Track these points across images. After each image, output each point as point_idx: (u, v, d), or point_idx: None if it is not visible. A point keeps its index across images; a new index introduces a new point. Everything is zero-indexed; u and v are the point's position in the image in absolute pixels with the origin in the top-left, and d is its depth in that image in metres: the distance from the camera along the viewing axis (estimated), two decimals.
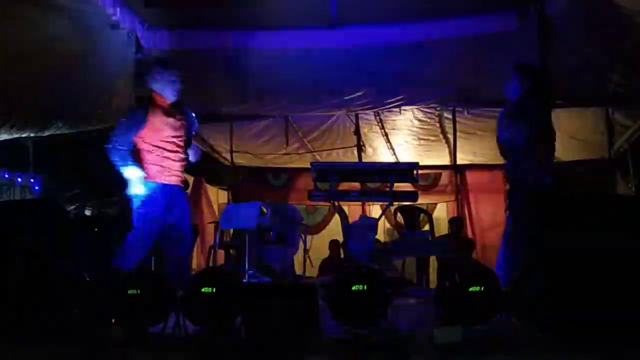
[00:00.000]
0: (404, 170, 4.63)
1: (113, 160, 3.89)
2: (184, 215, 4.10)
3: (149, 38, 5.63)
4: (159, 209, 3.90)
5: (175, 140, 4.03)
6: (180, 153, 4.07)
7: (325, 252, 8.17)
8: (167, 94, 4.04)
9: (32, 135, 6.67)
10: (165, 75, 4.05)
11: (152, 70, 4.08)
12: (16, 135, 6.37)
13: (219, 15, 5.43)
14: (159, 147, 3.95)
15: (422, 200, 7.67)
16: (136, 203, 3.89)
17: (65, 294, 2.87)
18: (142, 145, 3.95)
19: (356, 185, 6.88)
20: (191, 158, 4.23)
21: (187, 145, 4.15)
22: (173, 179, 4.01)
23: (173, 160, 4.00)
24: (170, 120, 4.01)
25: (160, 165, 3.94)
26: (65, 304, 2.90)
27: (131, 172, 3.86)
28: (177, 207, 4.02)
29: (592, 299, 2.28)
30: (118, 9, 5.11)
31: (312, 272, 7.58)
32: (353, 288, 2.60)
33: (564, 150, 7.92)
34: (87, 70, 5.84)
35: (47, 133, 6.75)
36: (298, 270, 7.03)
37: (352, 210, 7.57)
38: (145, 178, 3.88)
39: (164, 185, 3.95)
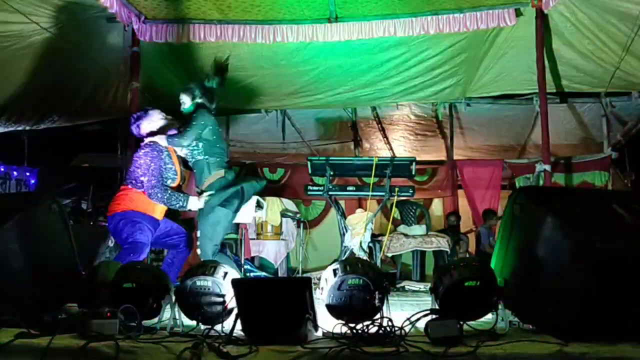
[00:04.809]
0: (401, 165, 4.62)
1: (169, 204, 3.80)
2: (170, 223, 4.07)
3: (145, 31, 5.60)
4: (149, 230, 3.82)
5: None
6: None
7: (324, 246, 8.14)
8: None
9: (27, 128, 6.66)
10: (166, 119, 4.03)
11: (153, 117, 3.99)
12: (11, 129, 6.36)
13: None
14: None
15: (419, 196, 7.66)
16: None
17: (62, 288, 2.87)
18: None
19: (352, 180, 6.88)
20: None
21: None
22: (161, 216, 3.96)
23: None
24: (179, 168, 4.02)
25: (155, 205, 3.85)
26: (62, 298, 2.90)
27: (193, 203, 3.88)
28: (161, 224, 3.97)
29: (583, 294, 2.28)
30: (114, 2, 5.07)
31: (310, 266, 7.59)
32: (349, 282, 2.61)
33: (562, 145, 7.96)
34: (83, 64, 5.81)
35: (42, 126, 6.74)
36: (295, 264, 7.04)
37: (349, 204, 7.55)
38: (137, 209, 3.75)
39: (154, 218, 3.86)
